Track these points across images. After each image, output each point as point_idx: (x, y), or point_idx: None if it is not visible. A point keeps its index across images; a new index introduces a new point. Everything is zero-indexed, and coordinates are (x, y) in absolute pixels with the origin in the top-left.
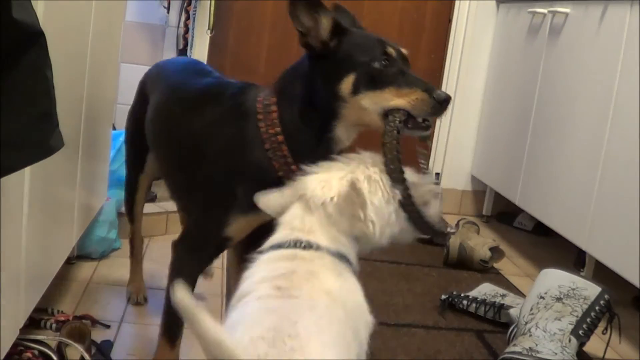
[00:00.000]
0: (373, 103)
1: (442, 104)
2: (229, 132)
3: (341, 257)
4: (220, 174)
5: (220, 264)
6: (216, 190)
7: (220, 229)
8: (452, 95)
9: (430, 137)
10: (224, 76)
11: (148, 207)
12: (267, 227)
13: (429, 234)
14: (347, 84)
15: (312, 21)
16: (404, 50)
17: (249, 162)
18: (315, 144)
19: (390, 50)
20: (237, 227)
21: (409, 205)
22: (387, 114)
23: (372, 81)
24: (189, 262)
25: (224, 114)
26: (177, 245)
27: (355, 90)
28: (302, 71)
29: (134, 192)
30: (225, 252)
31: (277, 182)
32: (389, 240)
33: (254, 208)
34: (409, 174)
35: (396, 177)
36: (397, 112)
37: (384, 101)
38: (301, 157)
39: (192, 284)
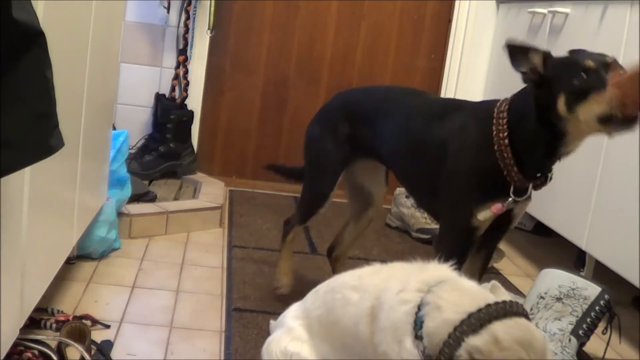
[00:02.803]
0: (586, 114)
1: None
2: (467, 133)
3: None
4: (459, 171)
5: (221, 264)
6: (458, 185)
7: (469, 220)
8: (452, 95)
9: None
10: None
11: (148, 207)
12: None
13: None
14: (561, 105)
15: (528, 63)
16: (608, 59)
17: (480, 160)
18: (536, 155)
19: (588, 63)
20: (484, 217)
21: None
22: (603, 120)
23: (578, 96)
24: (452, 257)
25: (465, 119)
26: (438, 245)
27: (569, 108)
28: (531, 92)
29: (321, 204)
30: (231, 252)
31: (503, 180)
32: None
33: (488, 200)
34: None
35: None
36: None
37: (593, 109)
38: (522, 162)
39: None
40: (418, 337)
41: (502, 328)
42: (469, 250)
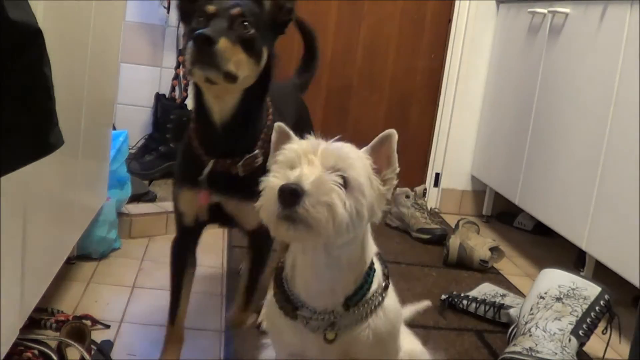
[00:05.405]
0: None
1: (195, 40)
2: None
3: None
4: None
5: (221, 264)
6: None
7: (176, 205)
8: (452, 95)
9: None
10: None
11: (148, 207)
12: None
13: None
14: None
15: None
16: (233, 11)
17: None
18: (201, 124)
19: (210, 8)
20: (183, 201)
21: None
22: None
23: (188, 40)
24: (176, 239)
25: None
26: None
27: (183, 51)
28: None
29: None
30: (231, 252)
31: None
32: None
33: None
34: None
35: None
36: None
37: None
38: (200, 140)
39: (181, 258)
40: None
41: None
42: (186, 234)
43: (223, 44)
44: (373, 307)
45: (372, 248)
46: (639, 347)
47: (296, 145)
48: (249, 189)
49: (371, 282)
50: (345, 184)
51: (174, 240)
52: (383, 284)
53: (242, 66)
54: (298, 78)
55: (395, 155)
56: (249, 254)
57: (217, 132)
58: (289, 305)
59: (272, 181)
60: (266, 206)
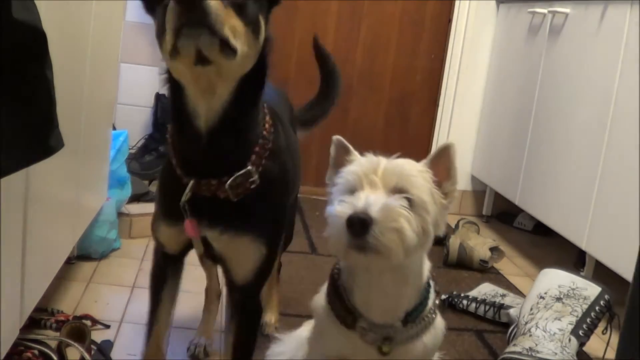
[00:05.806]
0: (168, 35)
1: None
2: None
3: None
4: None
5: None
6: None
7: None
8: (452, 95)
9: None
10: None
11: (148, 207)
12: None
13: None
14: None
15: None
16: None
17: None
18: (180, 135)
19: None
20: (162, 233)
21: None
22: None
23: (164, 19)
24: (155, 264)
25: None
26: None
27: (159, 34)
28: None
29: None
30: None
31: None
32: None
33: (175, 218)
34: None
35: None
36: None
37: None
38: (180, 158)
39: (157, 282)
40: None
41: None
42: (167, 263)
43: (214, 1)
44: (428, 324)
45: (427, 263)
46: (626, 344)
47: (356, 167)
48: (245, 218)
49: (428, 299)
50: (410, 204)
51: (152, 268)
52: (437, 302)
53: (240, 36)
54: (307, 111)
55: (455, 167)
56: (235, 320)
57: (200, 143)
58: (349, 315)
59: (339, 210)
60: (335, 236)
